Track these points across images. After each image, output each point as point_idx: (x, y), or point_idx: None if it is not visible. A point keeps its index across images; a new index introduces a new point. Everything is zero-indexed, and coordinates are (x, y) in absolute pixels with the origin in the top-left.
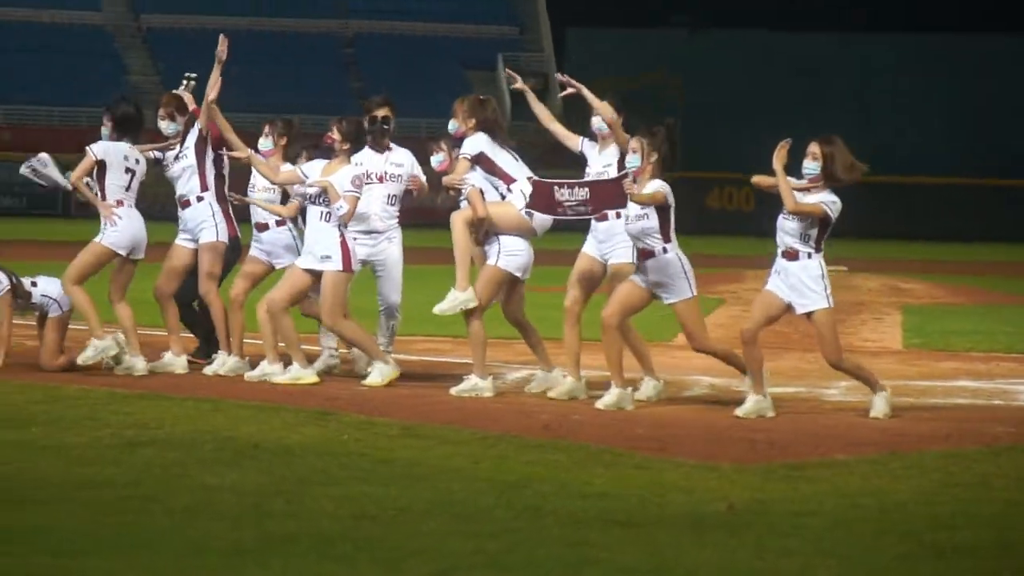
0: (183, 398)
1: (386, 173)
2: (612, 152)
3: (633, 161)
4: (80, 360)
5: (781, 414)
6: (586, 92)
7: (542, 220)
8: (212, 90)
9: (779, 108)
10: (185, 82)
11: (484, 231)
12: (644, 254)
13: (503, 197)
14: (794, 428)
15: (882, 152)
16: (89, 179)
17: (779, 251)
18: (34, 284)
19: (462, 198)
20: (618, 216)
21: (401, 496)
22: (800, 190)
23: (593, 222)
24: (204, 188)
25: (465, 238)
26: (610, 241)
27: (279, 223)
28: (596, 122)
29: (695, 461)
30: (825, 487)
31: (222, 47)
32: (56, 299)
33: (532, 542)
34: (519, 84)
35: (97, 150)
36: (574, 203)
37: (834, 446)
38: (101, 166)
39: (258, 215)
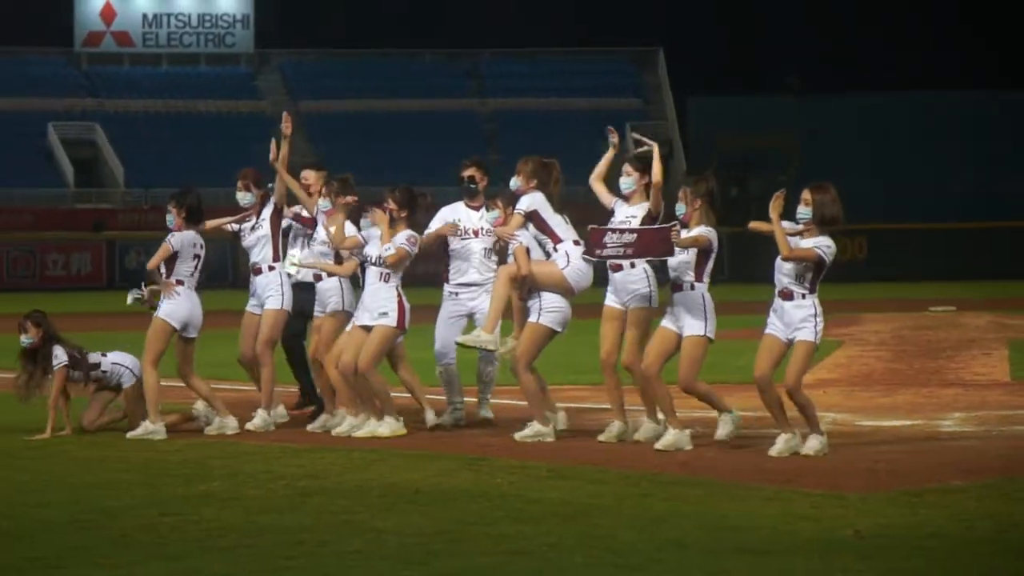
0: (349, 449)
1: (481, 228)
2: (640, 207)
3: (680, 209)
4: (128, 435)
5: (900, 444)
6: (656, 153)
7: (581, 281)
8: (282, 163)
9: (886, 164)
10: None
11: (527, 288)
12: (675, 287)
13: (548, 256)
14: (913, 458)
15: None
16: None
17: (776, 291)
18: (104, 355)
19: (509, 253)
20: (632, 266)
21: (552, 533)
22: (794, 235)
23: (610, 273)
24: (276, 259)
25: (505, 289)
26: (626, 289)
27: (271, 268)
28: (624, 183)
29: (821, 491)
30: (944, 512)
31: (285, 124)
32: (129, 367)
33: (675, 573)
34: (614, 139)
35: (175, 242)
36: (617, 245)
37: (951, 473)
38: (174, 256)
39: (252, 258)
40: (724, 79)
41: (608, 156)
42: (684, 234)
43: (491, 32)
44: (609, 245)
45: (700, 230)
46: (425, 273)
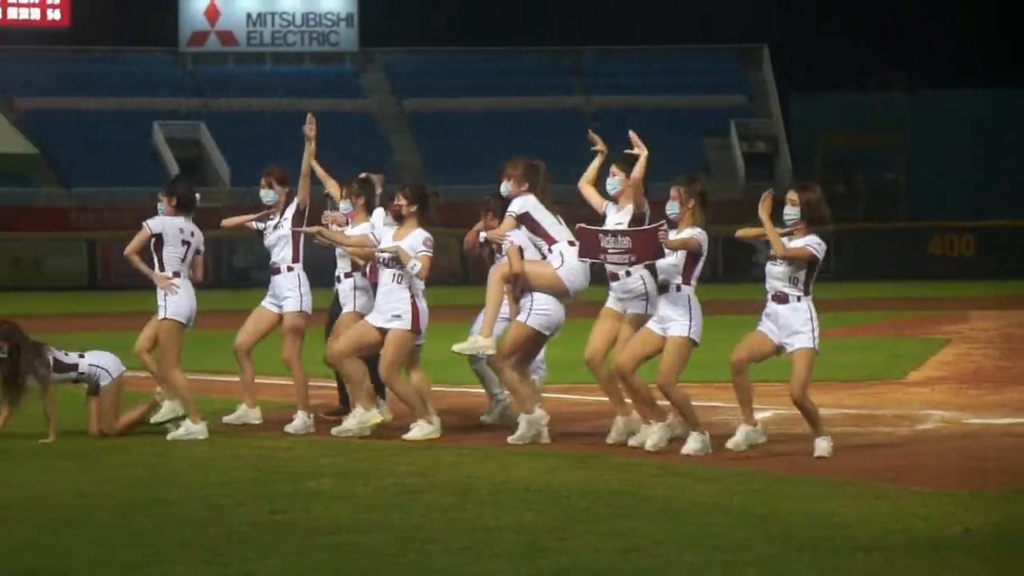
0: (459, 447)
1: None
2: (626, 212)
3: (672, 208)
4: (170, 436)
5: (1009, 441)
6: (643, 159)
7: (575, 281)
8: (306, 165)
9: (994, 161)
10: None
11: (519, 287)
12: (662, 288)
13: (544, 257)
14: (1022, 455)
15: None
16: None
17: (768, 295)
18: (81, 356)
19: (501, 254)
20: (628, 275)
21: (662, 530)
22: (784, 235)
23: (609, 281)
24: (295, 259)
25: (499, 291)
26: (628, 300)
27: (290, 268)
28: (611, 183)
29: (931, 489)
30: None
31: (309, 126)
32: (106, 367)
33: (787, 569)
34: (599, 147)
35: (153, 225)
36: (619, 251)
37: None
38: (158, 240)
39: (272, 257)
40: (829, 76)
41: (597, 161)
42: (673, 235)
43: (594, 29)
44: (611, 251)
45: (691, 232)
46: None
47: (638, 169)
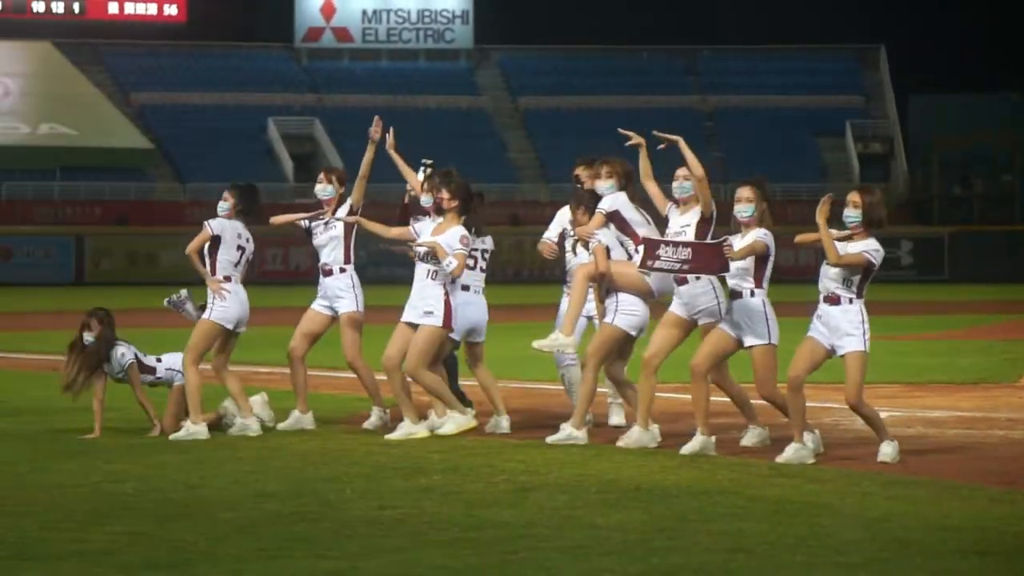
0: (568, 445)
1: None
2: (693, 213)
3: (746, 211)
4: (171, 437)
5: None
6: (683, 146)
7: (661, 282)
8: (365, 166)
9: None
10: (423, 168)
11: (605, 287)
12: (734, 294)
13: (630, 257)
14: None
15: None
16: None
17: (821, 296)
18: (159, 359)
19: (589, 252)
20: (698, 279)
21: (772, 531)
22: (842, 239)
23: (675, 286)
24: (347, 260)
25: (583, 290)
26: (694, 303)
27: (342, 269)
28: (677, 187)
29: None
30: None
31: (375, 128)
32: (179, 369)
33: (899, 572)
34: (635, 140)
35: (214, 226)
36: (672, 260)
37: None
38: (215, 242)
39: (323, 258)
40: (946, 77)
41: (643, 154)
42: (737, 242)
43: (710, 28)
44: (663, 258)
45: (755, 235)
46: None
47: (694, 162)
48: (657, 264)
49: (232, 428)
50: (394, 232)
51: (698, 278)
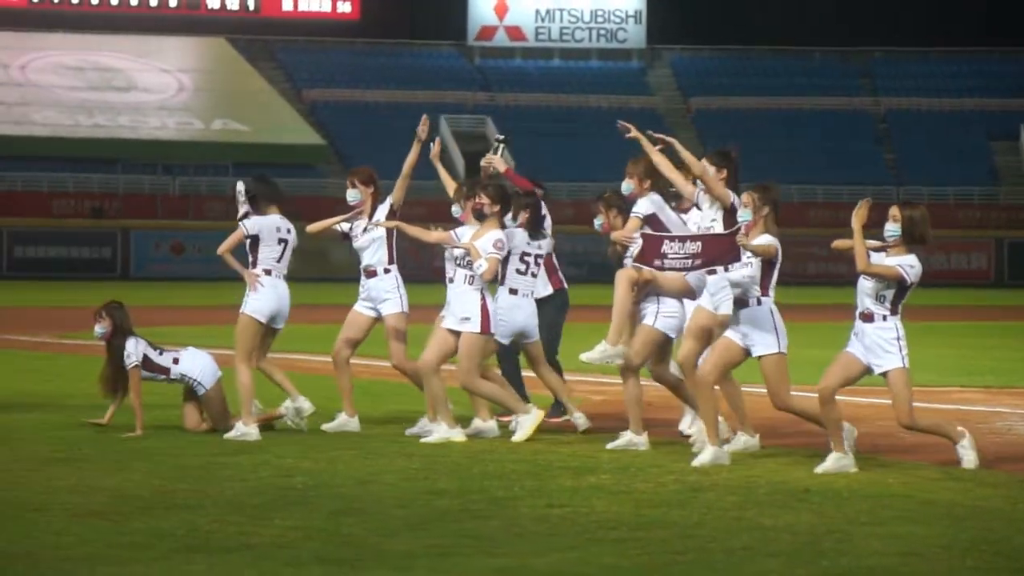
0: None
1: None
2: (716, 207)
3: (745, 215)
4: (225, 436)
5: None
6: (678, 147)
7: (701, 282)
8: (408, 166)
9: None
10: (496, 145)
11: (644, 293)
12: (739, 303)
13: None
14: None
15: None
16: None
17: (857, 312)
18: (176, 360)
19: (628, 255)
20: (726, 270)
21: (944, 535)
22: (877, 250)
23: (706, 277)
24: (391, 260)
25: (626, 296)
26: (720, 293)
27: (387, 270)
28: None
29: None
30: None
31: (422, 127)
32: (199, 379)
33: None
34: (633, 133)
35: (249, 226)
36: (681, 255)
37: None
38: (255, 240)
39: (365, 260)
40: None
41: (648, 148)
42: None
43: (884, 31)
44: (670, 255)
45: (765, 239)
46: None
47: (691, 159)
48: (667, 264)
49: (228, 433)
50: (434, 237)
51: (727, 269)
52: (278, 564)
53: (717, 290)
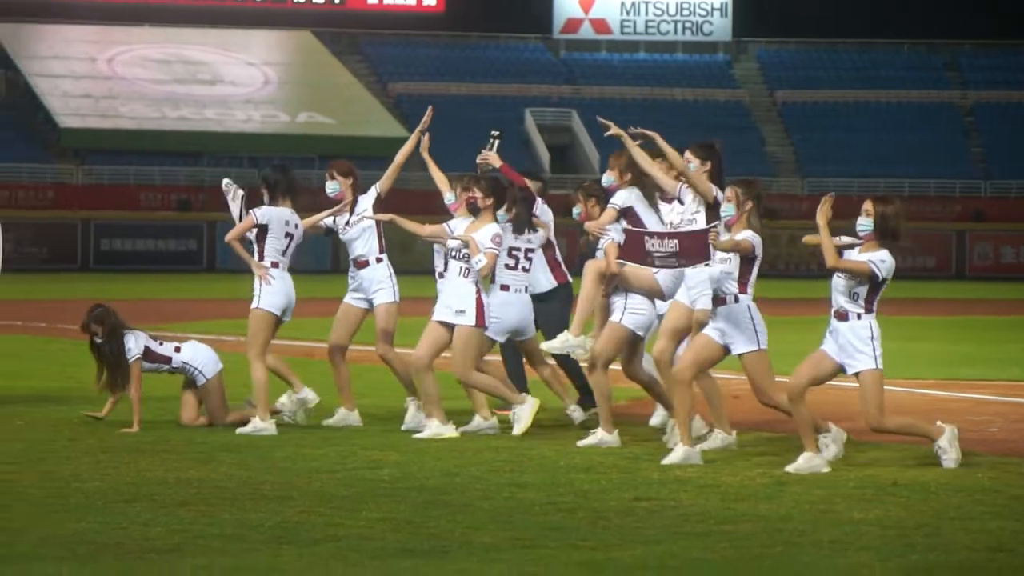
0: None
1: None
2: (698, 200)
3: (728, 210)
4: (238, 431)
5: None
6: (659, 141)
7: (671, 283)
8: (402, 156)
9: None
10: (491, 140)
11: (613, 285)
12: (717, 300)
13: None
14: None
15: None
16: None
17: (832, 311)
18: (177, 349)
19: (599, 247)
20: (707, 264)
21: None
22: (845, 247)
23: (686, 273)
24: (382, 250)
25: (593, 287)
26: (698, 287)
27: (378, 259)
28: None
29: None
30: None
31: (427, 118)
32: (200, 369)
33: None
34: (613, 131)
35: (260, 215)
36: (664, 254)
37: None
38: (263, 229)
39: (356, 251)
40: None
41: (630, 144)
42: (725, 238)
43: (971, 23)
44: (656, 254)
45: (744, 234)
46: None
47: (672, 152)
48: (657, 261)
49: (243, 428)
50: (428, 230)
51: (707, 264)
52: (365, 556)
53: (695, 284)
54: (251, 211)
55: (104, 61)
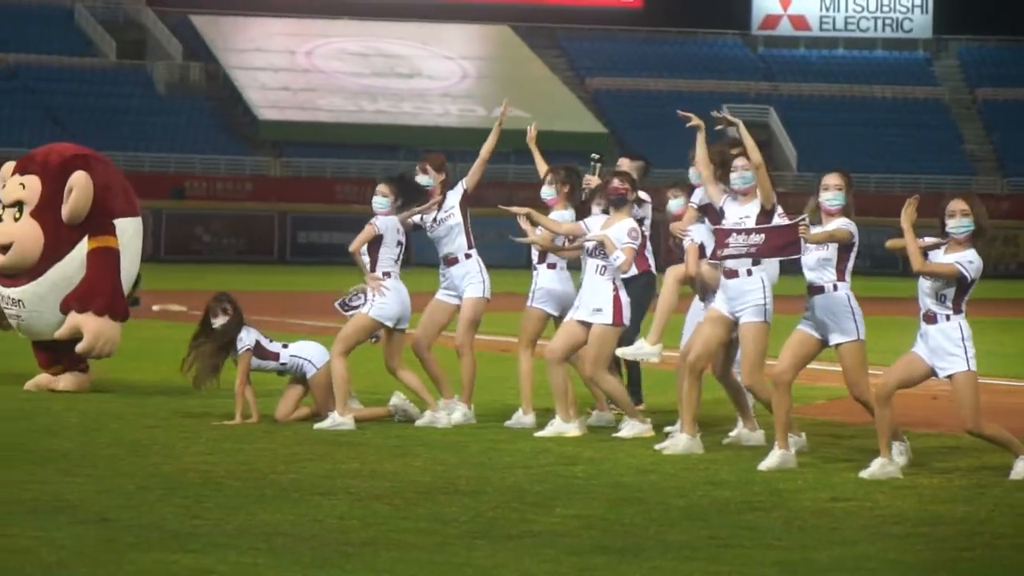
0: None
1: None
2: (753, 204)
3: (835, 199)
4: (316, 426)
5: None
6: (743, 130)
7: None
8: (486, 151)
9: None
10: (592, 164)
11: (703, 289)
12: (813, 289)
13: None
14: None
15: None
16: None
17: (920, 313)
18: (284, 346)
19: (681, 249)
20: (749, 274)
21: None
22: (930, 248)
23: (723, 279)
24: (471, 245)
25: (672, 293)
26: (740, 299)
27: (467, 255)
28: (737, 178)
29: None
30: None
31: (503, 112)
32: (309, 359)
33: None
34: (694, 122)
35: (380, 225)
36: (741, 246)
37: None
38: (378, 240)
39: (444, 248)
40: None
41: (700, 138)
42: (816, 230)
43: None
44: (731, 245)
45: (838, 223)
46: None
47: (752, 147)
48: (726, 252)
49: (420, 420)
50: (566, 228)
51: (749, 272)
52: (560, 552)
53: (737, 295)
54: (372, 221)
55: (303, 54)
